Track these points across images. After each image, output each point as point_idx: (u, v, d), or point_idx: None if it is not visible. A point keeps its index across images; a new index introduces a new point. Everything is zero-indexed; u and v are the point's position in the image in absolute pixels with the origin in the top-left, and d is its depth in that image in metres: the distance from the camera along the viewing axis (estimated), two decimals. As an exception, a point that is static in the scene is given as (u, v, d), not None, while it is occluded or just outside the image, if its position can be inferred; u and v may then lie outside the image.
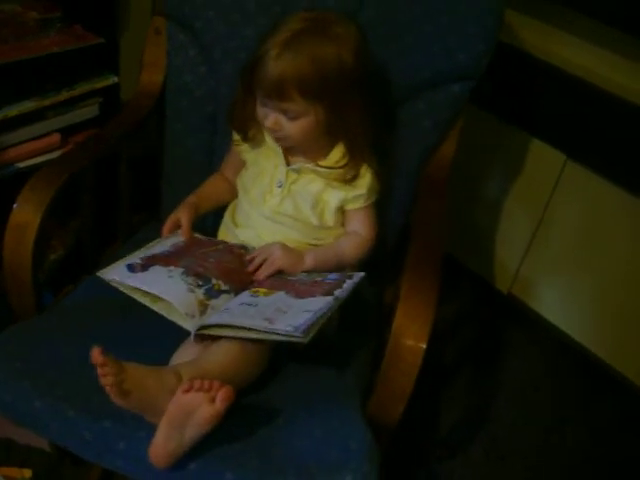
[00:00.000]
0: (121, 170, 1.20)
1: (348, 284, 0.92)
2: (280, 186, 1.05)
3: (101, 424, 0.81)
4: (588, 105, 1.31)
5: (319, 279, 0.96)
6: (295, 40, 0.93)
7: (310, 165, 1.04)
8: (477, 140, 1.44)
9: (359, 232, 1.07)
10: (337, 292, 0.89)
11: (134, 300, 0.91)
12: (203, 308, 0.89)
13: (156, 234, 1.06)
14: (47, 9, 1.53)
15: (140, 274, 0.93)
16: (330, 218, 1.06)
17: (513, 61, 1.37)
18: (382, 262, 1.17)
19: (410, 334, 0.86)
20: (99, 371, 0.74)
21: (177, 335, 0.88)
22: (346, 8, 1.08)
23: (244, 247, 1.04)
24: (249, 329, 0.83)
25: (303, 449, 0.82)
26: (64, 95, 1.51)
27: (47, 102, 1.48)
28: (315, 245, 1.06)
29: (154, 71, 1.22)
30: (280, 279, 0.97)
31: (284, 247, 1.00)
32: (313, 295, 0.89)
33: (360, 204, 1.06)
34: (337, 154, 1.04)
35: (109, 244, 1.22)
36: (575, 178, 1.41)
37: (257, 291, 0.94)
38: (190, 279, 0.92)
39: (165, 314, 0.89)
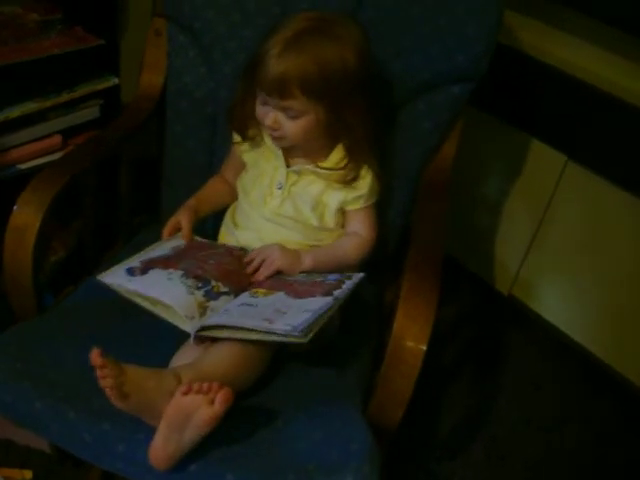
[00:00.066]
0: (121, 172, 1.21)
1: (348, 284, 0.92)
2: (280, 188, 1.05)
3: (101, 426, 0.81)
4: (588, 106, 1.31)
5: (319, 280, 0.96)
6: (299, 39, 0.93)
7: (310, 166, 1.04)
8: (478, 141, 1.45)
9: (359, 233, 1.07)
10: (336, 292, 0.89)
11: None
12: (202, 310, 0.89)
13: (156, 236, 1.06)
14: (47, 11, 1.53)
15: (139, 277, 0.93)
16: (330, 219, 1.06)
17: (513, 62, 1.37)
18: (382, 263, 1.17)
19: (410, 336, 0.86)
20: (98, 373, 0.74)
21: (177, 337, 0.89)
22: (345, 9, 1.08)
23: (244, 249, 1.05)
24: (249, 330, 0.83)
25: (303, 450, 0.82)
26: (65, 97, 1.51)
27: (48, 104, 1.49)
28: (316, 246, 1.06)
29: (154, 72, 1.22)
30: (279, 280, 0.97)
31: (282, 248, 1.00)
32: (313, 295, 0.89)
33: (360, 205, 1.06)
34: (337, 155, 1.04)
35: (110, 246, 1.23)
36: (576, 179, 1.41)
37: (256, 292, 0.94)
38: (189, 281, 0.92)
39: (165, 316, 0.89)
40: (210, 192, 1.14)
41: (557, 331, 1.55)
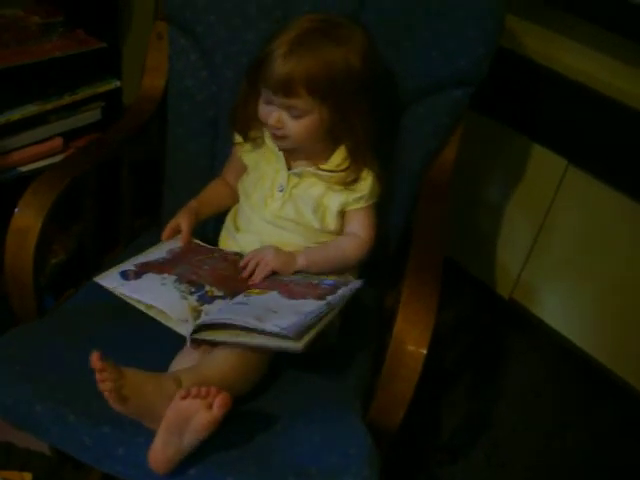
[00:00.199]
0: (123, 174, 1.21)
1: (343, 291, 0.92)
2: (281, 190, 1.05)
3: (100, 429, 0.81)
4: (589, 110, 1.31)
5: (315, 282, 0.96)
6: (304, 39, 0.94)
7: (311, 169, 1.04)
8: (479, 145, 1.45)
9: (358, 233, 1.07)
10: (330, 297, 0.90)
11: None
12: (197, 314, 0.89)
13: (157, 239, 1.06)
14: (49, 14, 1.54)
15: (133, 282, 0.93)
16: (331, 222, 1.06)
17: (514, 67, 1.37)
18: (383, 266, 1.17)
19: (411, 339, 0.86)
20: (98, 376, 0.74)
21: (177, 340, 0.88)
22: (347, 11, 1.08)
23: (239, 254, 1.04)
24: (241, 329, 0.83)
25: (303, 454, 0.82)
26: (66, 99, 1.52)
27: (49, 106, 1.49)
28: (315, 248, 1.06)
29: (156, 76, 1.23)
30: (275, 280, 0.98)
31: (275, 249, 1.00)
32: (305, 297, 0.90)
33: (360, 205, 1.06)
34: (338, 157, 1.04)
35: (111, 248, 1.23)
36: (576, 183, 1.41)
37: (251, 291, 0.94)
38: (183, 286, 0.93)
39: (160, 320, 0.89)
40: (211, 195, 1.14)
41: (558, 335, 1.54)
